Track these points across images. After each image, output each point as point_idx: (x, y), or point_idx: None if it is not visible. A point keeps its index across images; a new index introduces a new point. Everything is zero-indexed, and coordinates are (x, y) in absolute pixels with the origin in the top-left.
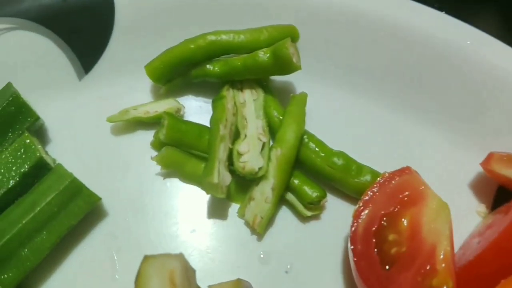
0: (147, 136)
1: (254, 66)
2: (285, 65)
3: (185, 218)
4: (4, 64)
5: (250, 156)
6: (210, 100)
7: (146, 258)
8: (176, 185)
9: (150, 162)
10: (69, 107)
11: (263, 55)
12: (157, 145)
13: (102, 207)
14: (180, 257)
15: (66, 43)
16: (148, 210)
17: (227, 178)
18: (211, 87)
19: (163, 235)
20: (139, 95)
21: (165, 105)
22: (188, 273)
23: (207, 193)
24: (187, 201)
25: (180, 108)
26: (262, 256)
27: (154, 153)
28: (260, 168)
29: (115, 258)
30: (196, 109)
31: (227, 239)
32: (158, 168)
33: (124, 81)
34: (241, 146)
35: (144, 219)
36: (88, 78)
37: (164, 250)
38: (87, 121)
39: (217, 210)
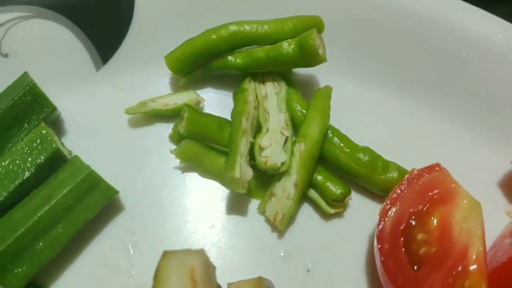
0: (165, 128)
1: (278, 58)
2: (311, 57)
3: (203, 213)
4: (21, 53)
5: (272, 150)
6: (231, 93)
7: (166, 253)
8: (195, 179)
9: (169, 155)
10: (86, 98)
11: (287, 46)
12: (176, 138)
13: (119, 201)
14: (201, 253)
15: (84, 33)
16: (166, 205)
17: (249, 173)
18: (231, 80)
19: (181, 231)
20: (158, 87)
21: (184, 97)
22: (209, 270)
23: (228, 188)
24: (206, 196)
25: (200, 100)
26: (282, 254)
27: (173, 147)
28: (282, 163)
29: (132, 253)
30: (216, 102)
31: (247, 236)
32: (177, 162)
33: (142, 72)
34: (263, 140)
35: (162, 214)
36: (106, 69)
37: (182, 246)
38: (105, 112)
39: (236, 206)
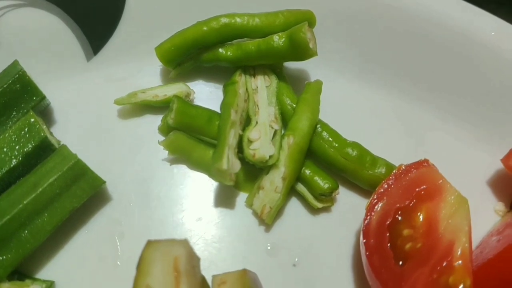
0: (155, 120)
1: (269, 51)
2: (301, 51)
3: (191, 206)
4: (12, 42)
5: (261, 143)
6: (221, 86)
7: (150, 243)
8: (183, 171)
9: (157, 147)
10: (76, 88)
11: (278, 39)
12: (165, 129)
13: (106, 191)
14: (185, 243)
15: (75, 23)
16: (153, 196)
17: (236, 165)
18: (222, 72)
19: (168, 222)
20: (148, 78)
21: (174, 89)
22: (193, 260)
23: (215, 180)
24: (193, 189)
25: (190, 92)
26: (269, 247)
27: (162, 138)
28: (271, 156)
29: (118, 244)
30: (206, 94)
31: (234, 229)
32: (165, 153)
33: (133, 63)
34: (252, 133)
35: (149, 205)
36: (96, 59)
37: (168, 238)
38: (94, 103)
39: (224, 198)
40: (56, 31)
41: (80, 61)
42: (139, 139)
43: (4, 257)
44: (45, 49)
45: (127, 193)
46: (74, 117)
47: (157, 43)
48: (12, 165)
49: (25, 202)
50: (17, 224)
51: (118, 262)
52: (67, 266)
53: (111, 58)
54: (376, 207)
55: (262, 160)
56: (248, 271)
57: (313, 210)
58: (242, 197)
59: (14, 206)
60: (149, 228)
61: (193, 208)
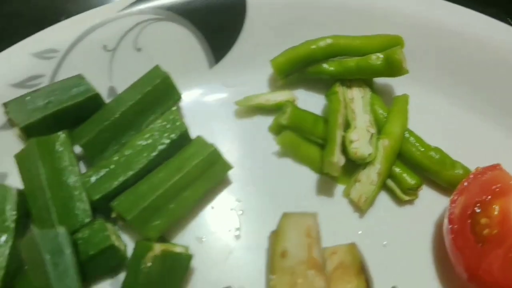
0: (265, 120)
1: (366, 68)
2: (396, 69)
3: (295, 194)
4: (150, 48)
5: (361, 143)
6: (318, 94)
7: (286, 214)
8: (289, 164)
9: (268, 142)
10: (200, 90)
11: (375, 58)
12: (275, 128)
13: (228, 176)
14: (315, 216)
15: (203, 35)
16: (265, 181)
17: (342, 160)
18: (319, 83)
19: (276, 205)
20: (258, 85)
21: (283, 95)
22: (319, 231)
23: (324, 171)
24: (297, 179)
25: (295, 99)
26: (360, 232)
27: (271, 136)
28: (369, 154)
29: (238, 219)
30: (307, 101)
31: (331, 214)
32: (276, 148)
33: (247, 72)
34: (353, 134)
35: (262, 188)
36: (217, 67)
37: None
38: (214, 105)
39: (323, 189)
40: (186, 41)
41: (203, 68)
42: (253, 135)
43: (158, 222)
44: (175, 56)
45: (245, 178)
46: (197, 116)
47: (267, 56)
48: (159, 151)
49: (173, 181)
50: (167, 198)
51: (238, 233)
52: (196, 235)
53: (230, 67)
54: (458, 199)
55: (362, 157)
56: (356, 245)
57: (399, 202)
58: (338, 189)
59: (164, 183)
60: (262, 206)
61: (297, 196)
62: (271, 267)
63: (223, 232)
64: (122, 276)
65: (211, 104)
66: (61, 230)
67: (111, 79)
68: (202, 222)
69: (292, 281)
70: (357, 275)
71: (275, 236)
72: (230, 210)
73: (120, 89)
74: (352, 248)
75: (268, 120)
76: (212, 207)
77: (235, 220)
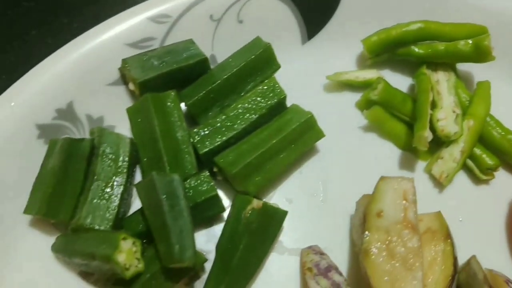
0: (353, 96)
1: (455, 52)
2: (484, 55)
3: (378, 167)
4: (251, 21)
5: (447, 122)
6: (403, 76)
7: (383, 178)
8: (372, 137)
9: (354, 116)
10: (291, 65)
11: (464, 44)
12: (363, 104)
13: (317, 145)
14: (412, 181)
15: (299, 11)
16: (347, 153)
17: (430, 135)
18: (405, 65)
19: (357, 175)
20: (347, 63)
21: (371, 73)
22: (415, 195)
23: (414, 145)
24: (382, 152)
25: (382, 78)
26: (438, 207)
27: (357, 110)
28: (455, 133)
29: (321, 187)
30: (391, 81)
31: None
32: (361, 122)
33: (337, 50)
34: (440, 113)
35: (343, 160)
36: (309, 44)
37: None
38: (304, 79)
39: (405, 164)
40: (283, 17)
41: (296, 44)
42: (340, 109)
43: (258, 178)
44: (271, 30)
45: (331, 149)
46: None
47: (357, 36)
48: (259, 114)
49: (272, 142)
50: (266, 157)
51: (324, 198)
52: (284, 196)
53: (321, 44)
54: None
55: (448, 135)
56: (441, 213)
57: (476, 181)
58: (419, 164)
59: (265, 143)
60: (346, 176)
61: (379, 168)
62: (367, 225)
63: (310, 196)
64: (216, 228)
65: (301, 78)
66: (176, 177)
67: (213, 48)
68: (291, 185)
69: (386, 239)
70: (444, 239)
71: (371, 197)
72: (317, 177)
73: (220, 57)
74: (439, 215)
75: (355, 96)
76: (301, 172)
77: (321, 186)
